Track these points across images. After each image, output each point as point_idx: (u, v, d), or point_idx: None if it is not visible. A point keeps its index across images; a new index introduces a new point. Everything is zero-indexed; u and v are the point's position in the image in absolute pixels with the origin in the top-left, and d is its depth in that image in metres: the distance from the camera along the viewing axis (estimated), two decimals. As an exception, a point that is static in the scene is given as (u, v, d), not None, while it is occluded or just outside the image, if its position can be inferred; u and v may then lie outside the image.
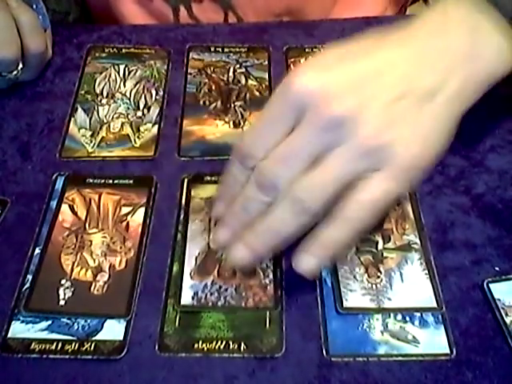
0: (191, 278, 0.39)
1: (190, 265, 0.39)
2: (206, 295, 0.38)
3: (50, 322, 0.37)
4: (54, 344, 0.36)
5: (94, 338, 0.36)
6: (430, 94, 0.33)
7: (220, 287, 0.38)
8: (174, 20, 0.60)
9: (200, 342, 0.36)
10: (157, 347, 0.36)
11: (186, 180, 0.44)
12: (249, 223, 0.35)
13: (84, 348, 0.36)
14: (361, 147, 0.32)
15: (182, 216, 0.42)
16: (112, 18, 0.63)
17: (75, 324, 0.37)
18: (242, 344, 0.36)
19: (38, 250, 0.40)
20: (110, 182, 0.44)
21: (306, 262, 0.34)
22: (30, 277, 0.39)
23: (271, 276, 0.39)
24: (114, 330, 0.37)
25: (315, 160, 0.33)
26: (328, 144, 0.32)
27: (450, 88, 0.34)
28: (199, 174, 0.45)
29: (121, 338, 0.36)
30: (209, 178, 0.44)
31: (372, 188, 0.32)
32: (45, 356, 0.35)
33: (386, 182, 0.32)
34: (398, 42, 0.35)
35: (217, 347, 0.36)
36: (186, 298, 0.38)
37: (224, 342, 0.36)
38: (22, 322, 0.37)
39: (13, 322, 0.37)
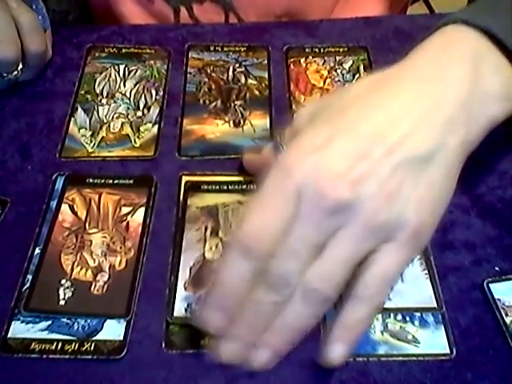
0: (185, 289, 0.38)
1: (184, 276, 0.39)
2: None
3: (49, 322, 0.37)
4: (54, 344, 0.36)
5: (93, 338, 0.36)
6: (428, 155, 0.32)
7: None
8: (174, 21, 0.60)
9: (206, 339, 0.36)
10: (163, 345, 0.36)
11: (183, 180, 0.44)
12: (259, 329, 0.33)
13: (84, 348, 0.36)
14: (364, 227, 0.31)
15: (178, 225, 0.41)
16: (112, 18, 0.63)
17: (75, 324, 0.37)
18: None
19: (38, 250, 0.40)
20: (110, 182, 0.44)
21: (337, 350, 0.33)
22: (29, 277, 0.39)
23: None
24: (114, 330, 0.37)
25: (321, 246, 0.31)
26: (332, 229, 0.31)
27: (451, 142, 0.32)
28: (196, 182, 0.44)
29: (121, 337, 0.36)
30: (206, 187, 0.44)
31: (384, 261, 0.32)
32: (45, 356, 0.35)
33: (396, 253, 0.32)
34: (390, 95, 0.33)
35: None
36: (179, 310, 0.37)
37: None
38: (22, 322, 0.37)
39: (13, 322, 0.37)
